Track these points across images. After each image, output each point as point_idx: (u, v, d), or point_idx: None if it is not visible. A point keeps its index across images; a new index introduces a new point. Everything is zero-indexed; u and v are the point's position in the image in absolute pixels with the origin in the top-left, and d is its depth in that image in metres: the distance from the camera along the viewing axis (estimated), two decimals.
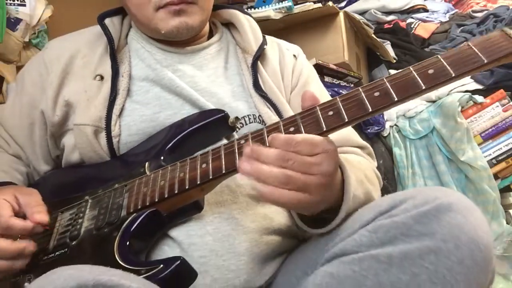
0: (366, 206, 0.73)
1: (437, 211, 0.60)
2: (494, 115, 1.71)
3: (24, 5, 1.57)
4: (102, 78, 0.90)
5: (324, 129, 0.66)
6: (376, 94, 0.65)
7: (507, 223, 1.67)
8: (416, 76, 0.64)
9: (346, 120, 0.65)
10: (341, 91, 1.82)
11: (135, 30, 0.99)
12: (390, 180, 1.72)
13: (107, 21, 0.95)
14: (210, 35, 1.03)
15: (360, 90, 0.66)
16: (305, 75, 1.02)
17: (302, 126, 0.67)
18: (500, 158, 1.69)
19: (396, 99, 0.64)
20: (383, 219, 0.65)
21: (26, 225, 0.74)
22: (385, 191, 1.70)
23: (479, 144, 1.69)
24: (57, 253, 0.76)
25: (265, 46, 0.98)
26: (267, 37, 1.03)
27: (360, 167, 0.82)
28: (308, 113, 0.68)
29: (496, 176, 1.69)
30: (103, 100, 0.88)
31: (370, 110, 0.64)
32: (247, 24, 1.01)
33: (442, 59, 0.63)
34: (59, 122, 0.91)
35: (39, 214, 0.76)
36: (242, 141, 0.71)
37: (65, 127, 0.91)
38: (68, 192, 0.87)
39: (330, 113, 0.66)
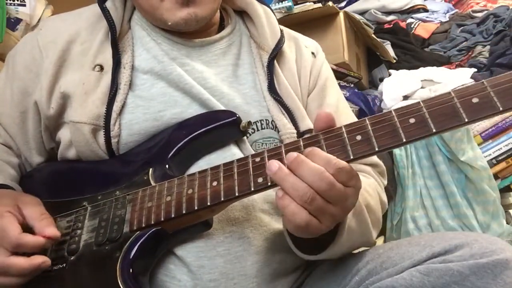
0: (414, 242, 0.70)
1: (494, 267, 0.60)
2: None
3: (24, 5, 1.56)
4: (102, 68, 0.81)
5: (351, 157, 0.60)
6: (412, 121, 0.58)
7: (507, 223, 1.67)
8: (458, 105, 0.56)
9: (376, 149, 0.59)
10: (341, 91, 1.82)
11: (139, 14, 0.88)
12: (390, 180, 1.71)
13: (108, 3, 0.84)
14: (221, 23, 0.93)
15: (393, 113, 0.59)
16: (323, 77, 0.93)
17: (326, 150, 0.61)
18: (500, 158, 1.69)
19: (434, 130, 0.56)
20: (437, 263, 0.63)
21: (38, 241, 0.67)
22: (385, 191, 1.70)
23: (479, 144, 1.69)
24: (55, 268, 0.71)
25: (283, 44, 0.89)
26: (284, 31, 0.93)
27: (365, 195, 0.76)
28: (333, 134, 0.62)
29: (496, 176, 1.69)
30: (102, 95, 0.79)
31: (404, 140, 0.57)
32: (264, 16, 0.91)
33: (488, 87, 0.55)
34: (55, 115, 0.82)
35: (49, 228, 0.69)
36: (258, 159, 0.65)
37: (60, 120, 0.83)
38: (64, 192, 0.80)
39: (358, 137, 0.60)
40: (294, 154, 0.60)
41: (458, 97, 0.56)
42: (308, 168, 0.59)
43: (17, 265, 0.66)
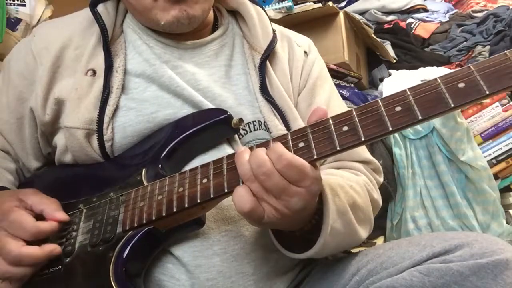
0: (414, 241, 0.70)
1: (494, 267, 0.61)
2: (494, 115, 1.71)
3: (24, 5, 1.56)
4: (94, 73, 0.82)
5: (338, 149, 0.59)
6: (398, 109, 0.57)
7: (507, 223, 1.66)
8: (444, 90, 0.55)
9: (363, 139, 0.58)
10: (341, 91, 1.82)
11: (131, 17, 0.89)
12: (390, 180, 1.71)
13: (100, 7, 0.85)
14: (215, 24, 0.94)
15: (380, 103, 0.59)
16: (313, 77, 0.93)
17: (312, 142, 0.61)
18: (500, 158, 1.69)
19: (420, 117, 0.56)
20: (437, 263, 0.64)
21: (53, 226, 0.70)
22: (385, 191, 1.70)
23: (479, 144, 1.69)
24: (51, 269, 0.72)
25: (275, 44, 0.89)
26: (277, 30, 0.94)
27: (351, 193, 0.75)
28: (320, 127, 0.61)
29: (496, 176, 1.69)
30: (95, 100, 0.80)
31: (391, 128, 0.57)
32: (257, 17, 0.92)
33: (475, 71, 0.55)
34: (50, 121, 0.84)
35: (58, 212, 0.72)
36: None
37: (56, 125, 0.85)
38: (61, 196, 0.80)
39: (345, 128, 0.59)
40: (260, 147, 0.63)
41: (444, 83, 0.56)
42: (255, 156, 0.61)
43: (31, 254, 0.68)
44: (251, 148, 0.64)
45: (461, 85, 0.55)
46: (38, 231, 0.69)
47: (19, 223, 0.69)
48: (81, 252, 0.72)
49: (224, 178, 0.65)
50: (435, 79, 0.57)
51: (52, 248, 0.70)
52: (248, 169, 0.61)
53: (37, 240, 0.70)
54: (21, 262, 0.68)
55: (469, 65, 0.56)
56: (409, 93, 0.58)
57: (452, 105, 0.55)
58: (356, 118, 0.59)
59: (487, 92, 0.54)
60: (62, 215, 0.72)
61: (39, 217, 0.72)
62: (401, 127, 0.57)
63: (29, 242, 0.70)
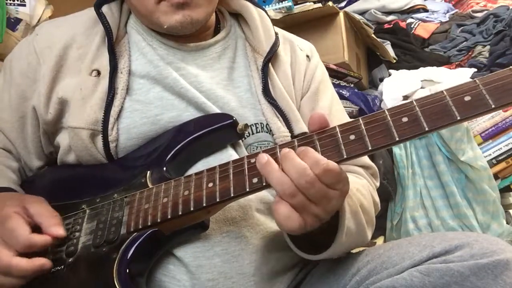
0: (414, 242, 0.70)
1: (494, 267, 0.60)
2: (494, 115, 1.71)
3: (24, 5, 1.56)
4: (99, 73, 0.82)
5: (345, 157, 0.60)
6: (404, 119, 0.58)
7: (507, 223, 1.67)
8: (451, 103, 0.56)
9: (370, 148, 0.59)
10: (341, 91, 1.82)
11: (135, 18, 0.89)
12: (390, 180, 1.71)
13: (104, 8, 0.85)
14: (217, 26, 0.94)
15: (387, 113, 0.60)
16: (316, 81, 0.93)
17: (320, 150, 0.61)
18: (500, 158, 1.70)
19: (426, 128, 0.57)
20: (437, 263, 0.64)
21: (47, 241, 0.69)
22: (385, 191, 1.70)
23: (479, 144, 1.69)
24: (53, 269, 0.71)
25: (277, 47, 0.90)
26: (279, 33, 0.94)
27: (358, 196, 0.77)
28: (327, 134, 0.62)
29: (496, 176, 1.69)
30: (100, 101, 0.80)
31: (397, 139, 0.58)
32: (259, 19, 0.92)
33: (480, 85, 0.56)
34: (53, 120, 0.83)
35: (56, 227, 0.71)
36: (253, 160, 0.65)
37: (59, 125, 0.84)
38: (64, 196, 0.81)
39: (352, 137, 0.60)
40: (286, 150, 0.61)
41: (451, 96, 0.57)
42: (292, 164, 0.60)
43: (19, 266, 0.67)
44: (272, 155, 0.63)
45: (467, 98, 0.56)
46: (30, 244, 0.67)
47: (13, 232, 0.68)
48: (84, 253, 0.72)
49: (230, 182, 0.65)
50: (441, 91, 0.58)
51: (41, 263, 0.68)
52: (288, 182, 0.59)
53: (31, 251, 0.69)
54: (10, 273, 0.67)
55: (475, 79, 0.57)
56: (415, 104, 0.58)
57: (459, 118, 0.56)
58: (363, 127, 0.60)
59: (493, 106, 0.55)
60: (58, 231, 0.70)
61: (38, 228, 0.71)
62: (407, 137, 0.58)
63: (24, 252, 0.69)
